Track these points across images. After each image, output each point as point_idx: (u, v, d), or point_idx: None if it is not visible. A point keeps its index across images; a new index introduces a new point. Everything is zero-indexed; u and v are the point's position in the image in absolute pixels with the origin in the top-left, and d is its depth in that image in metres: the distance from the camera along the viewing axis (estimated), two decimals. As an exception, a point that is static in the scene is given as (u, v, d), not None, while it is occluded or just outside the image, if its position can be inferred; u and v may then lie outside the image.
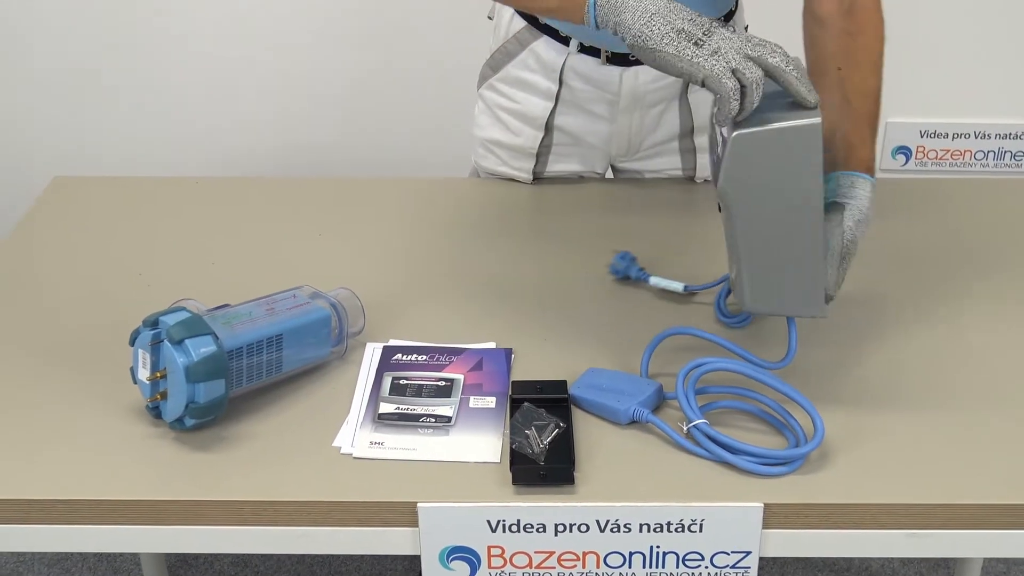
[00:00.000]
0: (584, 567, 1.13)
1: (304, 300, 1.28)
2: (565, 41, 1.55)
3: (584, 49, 1.55)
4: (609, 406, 1.20)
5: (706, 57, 1.08)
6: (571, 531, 1.10)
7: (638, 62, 1.55)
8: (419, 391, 1.24)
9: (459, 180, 1.77)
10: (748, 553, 1.12)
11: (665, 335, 1.28)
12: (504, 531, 1.10)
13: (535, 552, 1.12)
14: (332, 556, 2.18)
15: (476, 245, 1.55)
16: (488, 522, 1.10)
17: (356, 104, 2.50)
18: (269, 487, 1.12)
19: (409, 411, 1.21)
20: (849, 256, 1.20)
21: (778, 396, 1.21)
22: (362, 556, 2.17)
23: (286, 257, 1.52)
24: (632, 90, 1.58)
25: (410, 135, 2.50)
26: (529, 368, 1.28)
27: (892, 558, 2.17)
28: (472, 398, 1.23)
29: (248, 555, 2.18)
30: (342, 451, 1.16)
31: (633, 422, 1.20)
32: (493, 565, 1.12)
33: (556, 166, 1.69)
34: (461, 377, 1.26)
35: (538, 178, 1.70)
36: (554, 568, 1.13)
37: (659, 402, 1.22)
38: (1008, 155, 2.50)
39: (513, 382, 1.24)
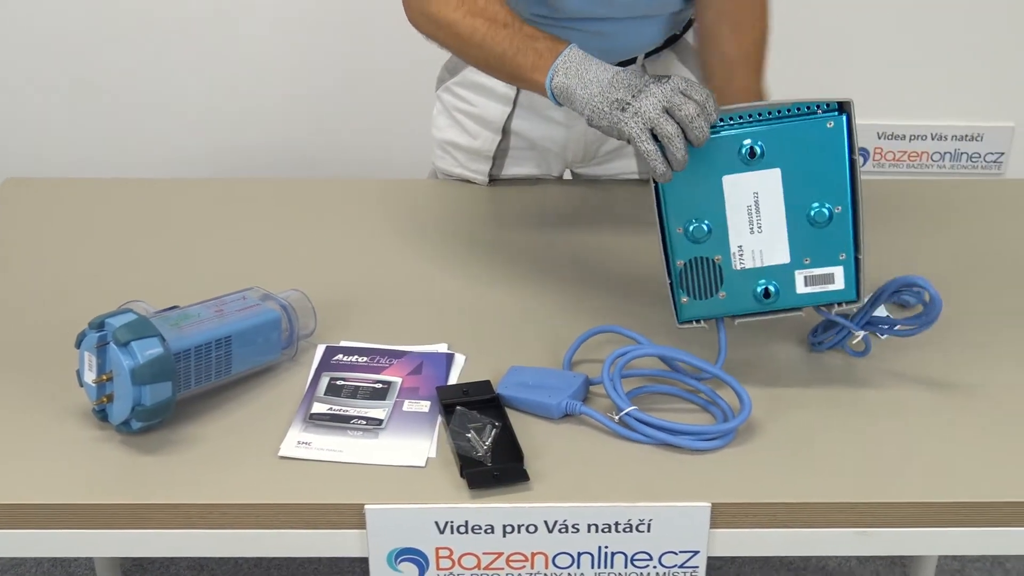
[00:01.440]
0: (533, 568, 1.13)
1: (254, 302, 1.27)
2: None
3: None
4: (540, 402, 1.20)
5: (627, 120, 1.17)
6: (520, 532, 1.10)
7: None
8: (355, 393, 1.24)
9: (415, 181, 1.77)
10: (696, 553, 1.12)
11: (590, 334, 1.30)
12: (452, 532, 1.10)
13: (484, 553, 1.12)
14: (290, 559, 2.17)
15: (431, 247, 1.55)
16: (436, 523, 1.10)
17: (315, 105, 2.49)
18: (216, 490, 1.11)
19: (341, 412, 1.21)
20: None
21: (710, 381, 1.24)
22: (319, 558, 2.16)
23: (239, 259, 1.51)
24: None
25: (371, 136, 2.49)
26: (478, 370, 1.28)
27: (849, 556, 2.18)
28: (407, 401, 1.23)
29: (205, 558, 2.16)
30: (278, 453, 1.16)
31: (566, 415, 1.20)
32: (441, 567, 1.12)
33: (512, 169, 1.69)
34: (399, 380, 1.26)
35: (494, 180, 1.70)
36: (503, 569, 1.13)
37: (587, 393, 1.23)
38: (964, 156, 2.53)
39: (438, 388, 1.24)
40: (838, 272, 1.20)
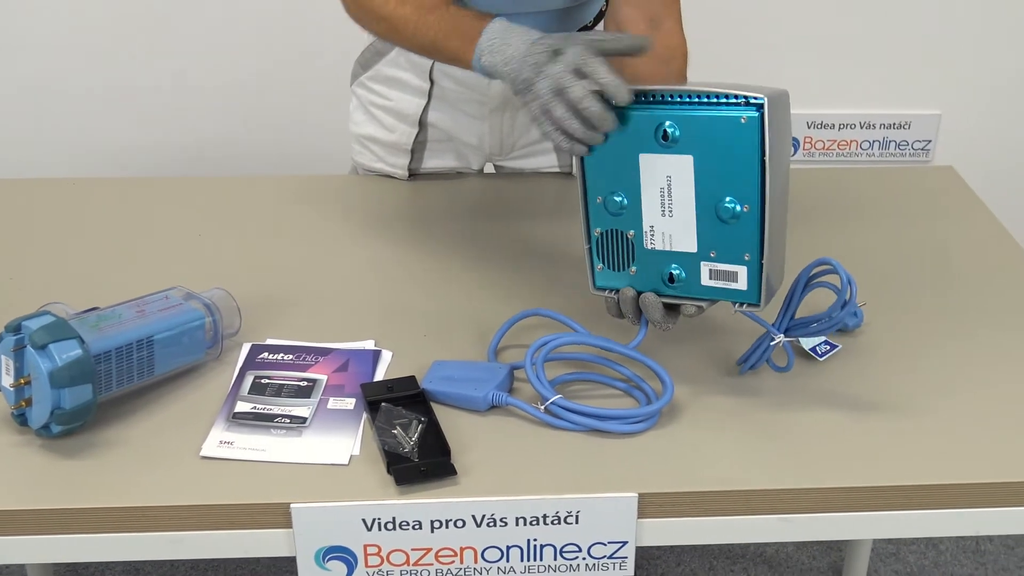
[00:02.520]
0: (462, 562, 1.12)
1: (177, 301, 1.26)
2: None
3: None
4: (465, 395, 1.20)
5: (530, 103, 1.17)
6: (448, 527, 1.10)
7: None
8: (279, 391, 1.23)
9: (337, 177, 1.76)
10: (625, 543, 1.12)
11: (515, 320, 1.31)
12: (380, 529, 1.10)
13: (412, 549, 1.11)
14: (226, 560, 2.15)
15: (354, 243, 1.54)
16: (363, 521, 1.09)
17: (234, 100, 2.46)
18: (140, 493, 1.10)
19: (265, 411, 1.20)
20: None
21: (624, 364, 1.26)
22: (257, 559, 2.15)
23: (162, 259, 1.50)
24: (502, 92, 1.58)
25: (291, 132, 2.48)
26: (406, 366, 1.27)
27: (787, 542, 2.20)
28: (332, 399, 1.22)
29: (140, 562, 2.14)
30: (200, 454, 1.15)
31: (493, 407, 1.20)
32: (370, 564, 1.12)
33: (432, 162, 1.69)
34: (324, 378, 1.25)
35: (414, 174, 1.70)
36: (432, 564, 1.12)
37: (513, 383, 1.24)
38: (892, 144, 2.56)
39: (362, 384, 1.23)
40: (742, 272, 1.16)
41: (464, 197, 1.67)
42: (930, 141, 2.54)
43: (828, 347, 1.29)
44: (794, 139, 2.52)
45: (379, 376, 1.26)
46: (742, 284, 1.17)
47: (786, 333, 1.22)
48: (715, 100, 1.12)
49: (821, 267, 1.18)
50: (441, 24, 1.28)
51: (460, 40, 1.25)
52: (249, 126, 2.48)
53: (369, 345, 1.31)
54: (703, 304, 1.19)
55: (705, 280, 1.18)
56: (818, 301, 1.24)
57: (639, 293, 1.21)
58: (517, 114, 1.63)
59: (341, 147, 1.78)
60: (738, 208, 1.13)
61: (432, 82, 1.58)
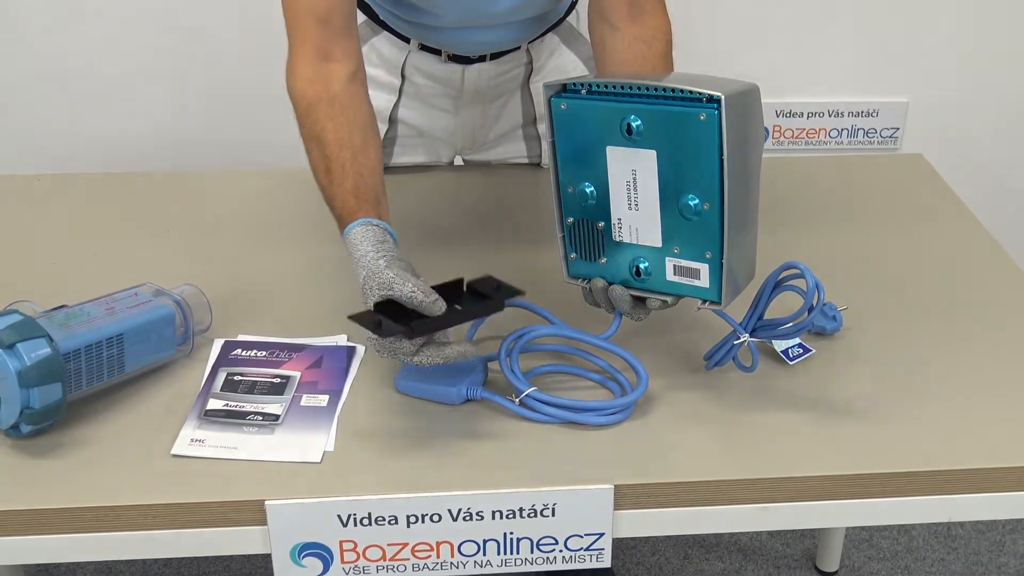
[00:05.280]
0: (439, 557, 1.12)
1: (146, 298, 1.25)
2: (406, 39, 1.54)
3: (425, 47, 1.54)
4: (440, 389, 1.20)
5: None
6: (424, 521, 1.10)
7: (478, 60, 1.55)
8: (252, 388, 1.22)
9: (305, 171, 1.69)
10: (601, 535, 1.12)
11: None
12: (356, 525, 1.09)
13: (388, 544, 1.11)
14: (200, 558, 2.14)
15: (326, 237, 1.48)
16: (339, 517, 1.09)
17: (204, 95, 2.43)
18: (111, 493, 1.09)
19: (237, 408, 1.20)
20: None
21: (599, 355, 1.25)
22: (230, 556, 2.13)
23: (132, 255, 1.48)
24: (475, 86, 1.58)
25: (260, 125, 2.44)
26: (380, 361, 1.26)
27: (760, 531, 2.21)
28: (305, 396, 1.21)
29: (112, 561, 2.12)
30: (171, 452, 1.14)
31: (467, 401, 1.20)
32: (346, 560, 1.11)
33: (402, 158, 1.67)
34: (297, 374, 1.24)
35: (384, 169, 1.67)
36: (408, 559, 1.12)
37: (487, 375, 1.23)
38: (860, 132, 2.56)
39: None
40: (704, 269, 1.16)
41: (435, 190, 1.66)
42: (898, 129, 2.54)
43: (801, 351, 1.29)
44: (764, 128, 2.49)
45: (352, 373, 1.25)
46: (704, 282, 1.17)
47: (752, 333, 1.21)
48: (678, 95, 1.10)
49: (789, 271, 1.17)
50: (327, 183, 1.25)
51: (336, 216, 1.24)
52: (213, 119, 2.45)
53: (342, 341, 1.30)
54: (668, 299, 1.19)
55: (670, 275, 1.18)
56: (794, 302, 1.23)
57: (609, 284, 1.21)
58: (489, 107, 1.62)
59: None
60: (699, 205, 1.13)
61: (404, 78, 1.57)
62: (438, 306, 1.10)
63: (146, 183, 1.70)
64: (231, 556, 2.13)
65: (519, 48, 1.56)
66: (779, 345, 1.29)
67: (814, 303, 1.14)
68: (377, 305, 1.11)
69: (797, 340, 1.29)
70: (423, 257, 1.44)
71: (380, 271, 1.12)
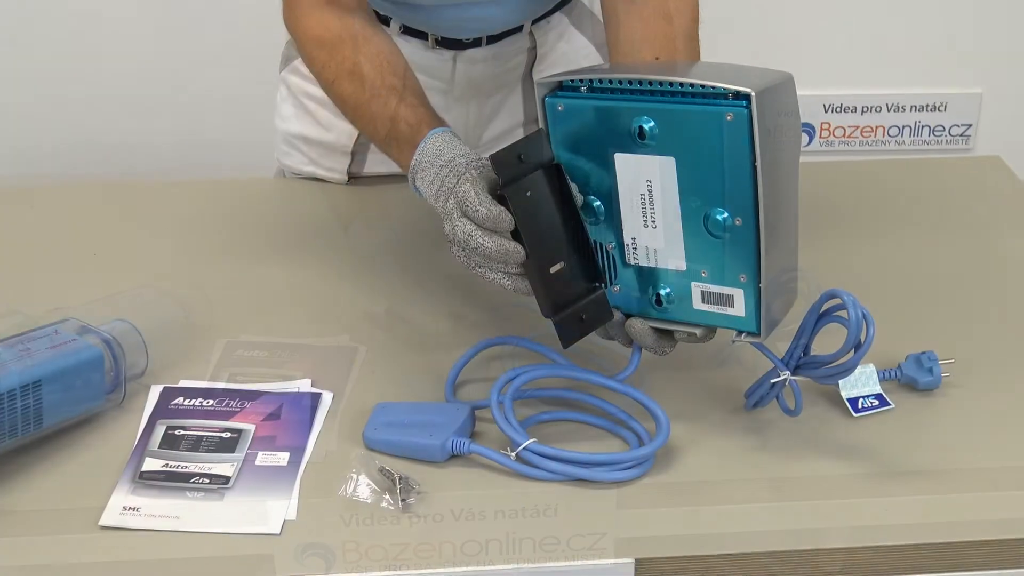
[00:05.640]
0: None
1: (69, 337, 1.12)
2: (386, 20, 1.41)
3: (408, 31, 1.42)
4: (419, 443, 1.08)
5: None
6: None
7: (472, 46, 1.44)
8: (196, 444, 1.11)
9: (260, 180, 1.63)
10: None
11: (476, 350, 1.20)
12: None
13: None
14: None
15: (283, 259, 1.41)
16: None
17: (140, 94, 2.39)
18: (28, 572, 0.98)
19: (180, 469, 1.08)
20: None
21: (610, 398, 1.13)
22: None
23: (51, 284, 1.36)
24: (468, 78, 1.46)
25: (204, 127, 2.40)
26: (352, 408, 1.14)
27: None
28: (260, 453, 1.09)
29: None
30: (99, 523, 1.02)
31: (452, 457, 1.08)
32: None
33: (377, 167, 1.53)
34: (251, 427, 1.12)
35: (355, 177, 1.55)
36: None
37: (474, 427, 1.12)
38: (926, 130, 2.48)
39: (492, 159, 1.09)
40: (738, 295, 1.04)
41: (414, 203, 1.50)
42: (970, 125, 2.46)
43: (877, 403, 1.13)
44: (807, 125, 2.43)
45: (318, 423, 1.12)
46: (739, 310, 1.04)
47: (795, 371, 1.08)
48: (698, 91, 0.99)
49: (833, 301, 1.04)
50: (381, 121, 1.21)
51: (398, 150, 1.20)
52: (154, 122, 2.41)
53: (305, 385, 1.18)
54: (696, 331, 1.07)
55: (697, 304, 1.06)
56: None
57: (626, 316, 1.10)
58: (485, 102, 1.50)
59: (265, 145, 1.65)
60: (729, 221, 1.01)
61: None
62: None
63: (74, 194, 1.61)
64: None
65: (520, 30, 1.44)
66: (847, 392, 1.13)
67: (862, 339, 1.00)
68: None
69: (877, 389, 1.14)
70: (395, 281, 1.35)
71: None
